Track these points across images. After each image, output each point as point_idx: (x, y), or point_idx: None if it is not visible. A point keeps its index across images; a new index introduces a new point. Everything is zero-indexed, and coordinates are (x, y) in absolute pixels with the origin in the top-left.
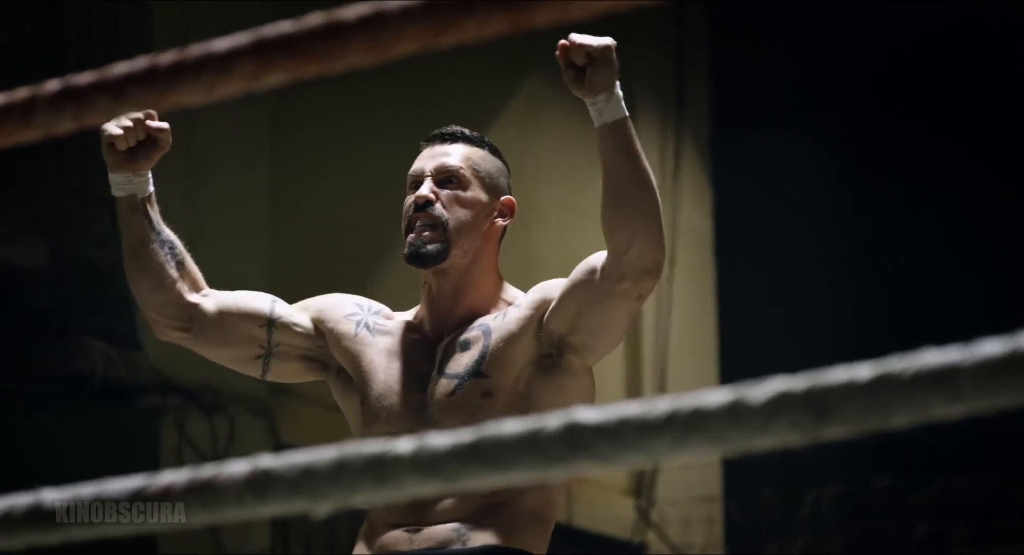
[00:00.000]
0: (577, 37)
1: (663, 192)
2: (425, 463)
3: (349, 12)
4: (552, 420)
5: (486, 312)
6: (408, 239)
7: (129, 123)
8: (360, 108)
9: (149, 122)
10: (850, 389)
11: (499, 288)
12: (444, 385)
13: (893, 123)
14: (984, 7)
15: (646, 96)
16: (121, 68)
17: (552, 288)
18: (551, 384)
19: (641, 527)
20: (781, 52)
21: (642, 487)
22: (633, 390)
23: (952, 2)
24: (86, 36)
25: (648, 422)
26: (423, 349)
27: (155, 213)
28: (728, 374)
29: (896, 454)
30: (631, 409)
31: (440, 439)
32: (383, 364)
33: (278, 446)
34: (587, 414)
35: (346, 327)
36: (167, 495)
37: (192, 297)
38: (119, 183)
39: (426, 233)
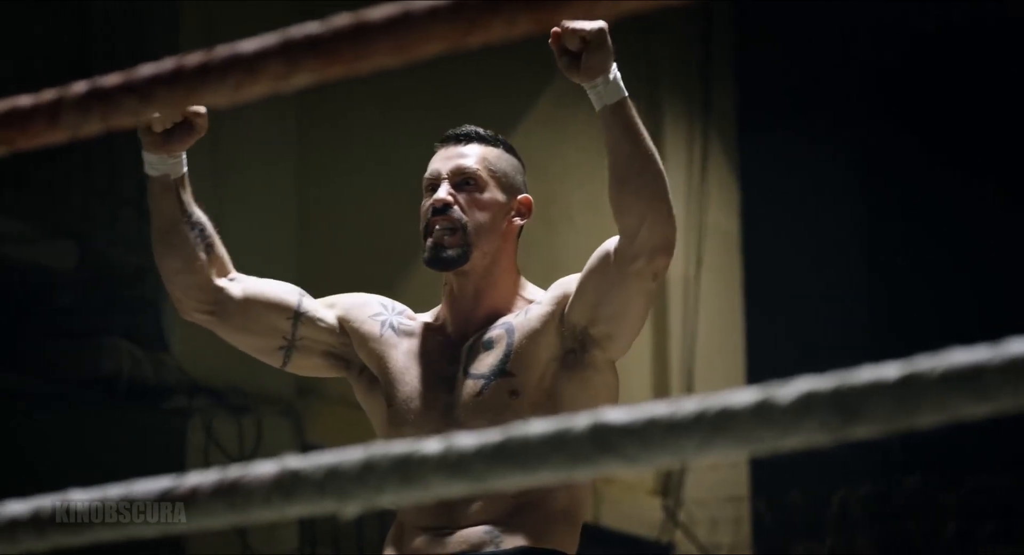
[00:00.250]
0: (569, 22)
1: (690, 193)
2: (452, 463)
3: (376, 13)
4: (579, 420)
5: (508, 311)
6: (427, 243)
7: None
8: (387, 107)
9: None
10: (878, 388)
11: (519, 286)
12: (471, 386)
13: (922, 122)
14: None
15: (673, 97)
16: (148, 69)
17: (571, 282)
18: (576, 381)
19: (669, 527)
20: (807, 52)
21: (670, 487)
22: (660, 390)
23: (979, 3)
24: (112, 37)
25: (676, 422)
26: (447, 350)
27: (187, 195)
28: (755, 374)
29: (924, 453)
30: (659, 409)
31: (467, 439)
32: (409, 366)
33: (305, 447)
34: (614, 414)
35: (371, 327)
36: (194, 496)
37: (219, 280)
38: (152, 163)
39: (446, 237)
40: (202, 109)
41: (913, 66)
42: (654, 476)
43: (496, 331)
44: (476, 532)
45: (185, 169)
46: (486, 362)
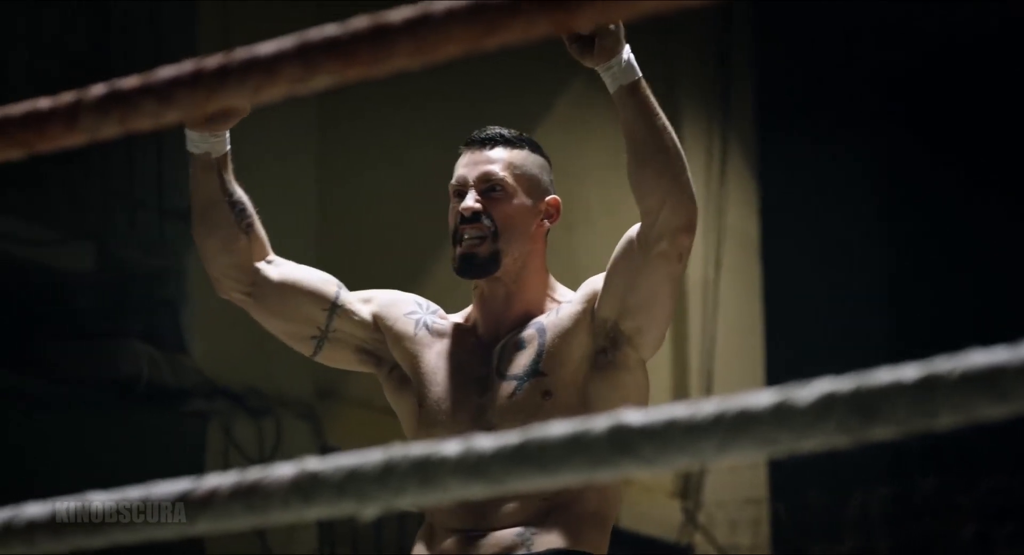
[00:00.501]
0: None
1: (709, 195)
2: (471, 465)
3: (395, 15)
4: (598, 422)
5: (539, 312)
6: (457, 252)
7: None
8: (407, 108)
9: None
10: (897, 390)
11: (549, 287)
12: (504, 387)
13: (941, 124)
14: None
15: (692, 98)
16: (167, 72)
17: (600, 280)
18: (607, 382)
19: (688, 529)
20: (826, 53)
21: (689, 489)
22: (679, 392)
23: (1005, 7)
24: (131, 40)
25: (695, 424)
26: (479, 351)
27: (229, 174)
28: (774, 375)
29: (943, 455)
30: (677, 411)
31: (486, 441)
32: (441, 367)
33: (324, 449)
34: (633, 416)
35: (405, 326)
36: (213, 498)
37: (257, 262)
38: (194, 140)
39: (475, 245)
40: None
41: (933, 68)
42: (673, 478)
43: (528, 331)
44: (508, 535)
45: (228, 148)
46: (519, 363)
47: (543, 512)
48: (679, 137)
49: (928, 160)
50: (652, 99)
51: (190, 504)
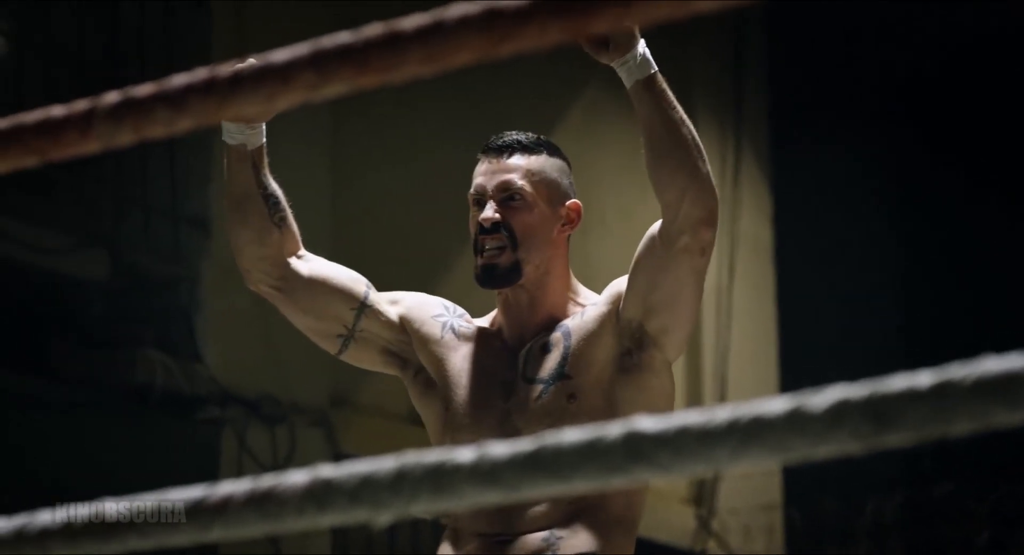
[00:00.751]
0: None
1: (722, 201)
2: (485, 473)
3: (408, 22)
4: (612, 429)
5: (564, 315)
6: (478, 262)
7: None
8: (421, 113)
9: None
10: (911, 397)
11: (573, 290)
12: (529, 391)
13: (956, 130)
14: None
15: (705, 104)
16: (180, 79)
17: (624, 281)
18: (633, 384)
19: (702, 536)
20: (840, 59)
21: (703, 496)
22: (693, 398)
23: (1016, 11)
24: (144, 47)
25: (708, 431)
26: (504, 356)
27: (264, 167)
28: (788, 382)
29: (957, 461)
30: (691, 418)
31: (500, 448)
32: (467, 371)
33: (338, 456)
34: (647, 423)
35: (432, 329)
36: (227, 505)
37: (288, 256)
38: (230, 131)
39: (496, 255)
40: None
41: (948, 75)
42: (687, 485)
43: (554, 335)
44: (534, 539)
45: (263, 140)
46: (545, 366)
47: (569, 516)
48: None
49: (942, 166)
50: (669, 93)
51: (204, 511)
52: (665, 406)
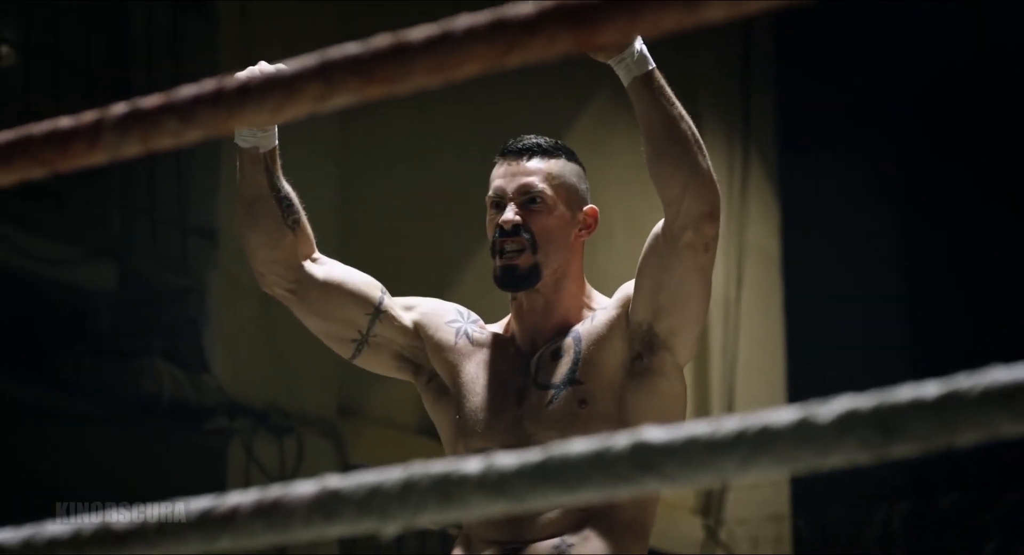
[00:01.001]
0: None
1: (730, 212)
2: (492, 483)
3: (415, 33)
4: (619, 439)
5: (576, 320)
6: (498, 264)
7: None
8: (429, 121)
9: None
10: (918, 407)
11: (587, 294)
12: (541, 397)
13: (962, 142)
14: None
15: (713, 115)
16: (188, 90)
17: (632, 284)
18: (644, 389)
19: (710, 546)
20: (847, 70)
21: (710, 506)
22: (701, 409)
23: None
24: (152, 58)
25: (716, 441)
26: (517, 362)
27: (277, 169)
28: (796, 392)
29: (965, 471)
30: (699, 428)
31: (507, 459)
32: (480, 377)
33: (346, 467)
34: (655, 433)
35: (446, 335)
36: (235, 516)
37: (302, 259)
38: (243, 134)
39: (515, 258)
40: None
41: (954, 87)
42: (695, 495)
43: (565, 341)
44: (546, 546)
45: (276, 143)
46: (556, 372)
47: (581, 522)
48: None
49: (949, 177)
50: (667, 88)
51: (211, 521)
52: (677, 411)
